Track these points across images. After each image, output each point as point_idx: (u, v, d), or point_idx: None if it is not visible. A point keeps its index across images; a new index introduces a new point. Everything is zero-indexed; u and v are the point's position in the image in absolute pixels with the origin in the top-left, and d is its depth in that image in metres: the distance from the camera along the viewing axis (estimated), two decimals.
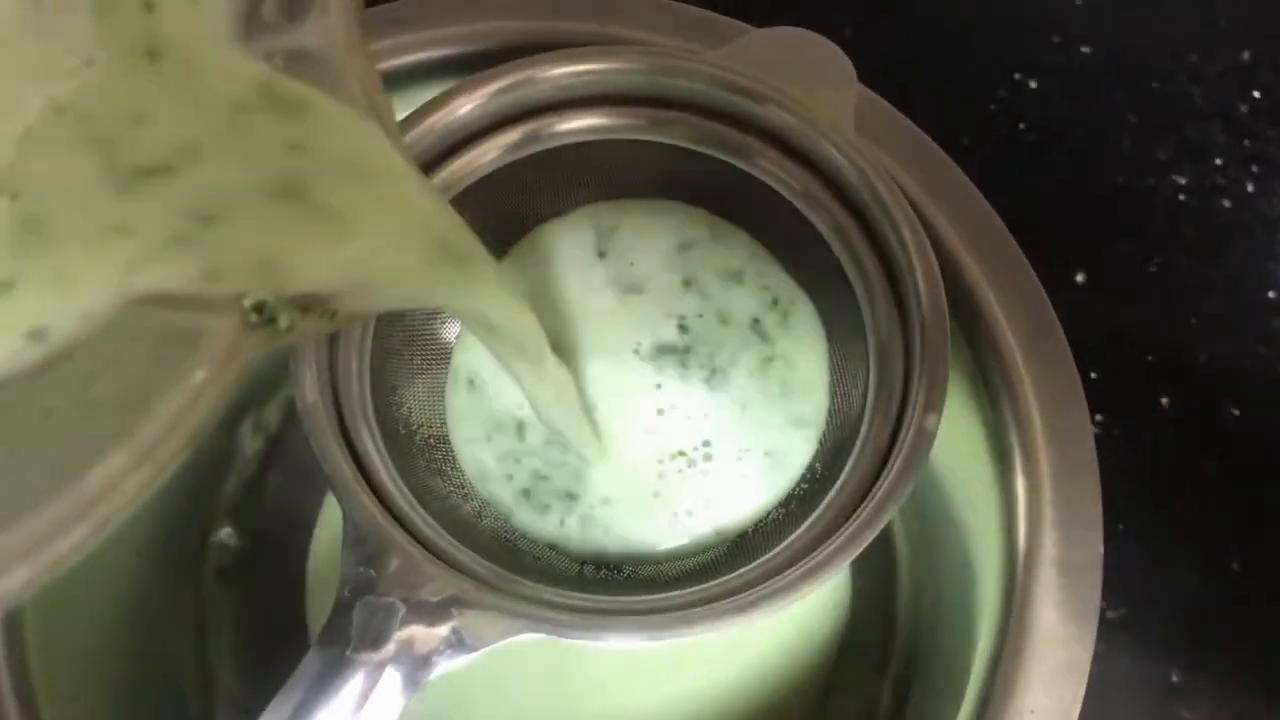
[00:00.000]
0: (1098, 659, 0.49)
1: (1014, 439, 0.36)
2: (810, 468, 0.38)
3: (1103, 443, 0.52)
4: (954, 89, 0.59)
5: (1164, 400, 0.54)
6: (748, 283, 0.41)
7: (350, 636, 0.31)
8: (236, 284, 0.22)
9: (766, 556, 0.34)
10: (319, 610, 0.48)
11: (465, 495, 0.38)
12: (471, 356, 0.40)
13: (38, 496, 0.19)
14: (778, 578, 0.32)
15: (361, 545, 0.32)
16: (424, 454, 0.38)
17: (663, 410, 0.39)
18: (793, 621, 0.47)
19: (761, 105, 0.38)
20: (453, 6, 0.41)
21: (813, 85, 0.38)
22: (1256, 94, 0.59)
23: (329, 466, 0.33)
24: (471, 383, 0.40)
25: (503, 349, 0.35)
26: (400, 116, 0.35)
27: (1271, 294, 0.56)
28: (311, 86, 0.25)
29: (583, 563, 0.38)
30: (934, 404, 0.34)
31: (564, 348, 0.39)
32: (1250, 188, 0.58)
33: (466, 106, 0.36)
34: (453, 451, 0.39)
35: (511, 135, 0.38)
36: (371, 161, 0.25)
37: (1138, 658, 0.51)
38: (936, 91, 0.58)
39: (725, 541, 0.38)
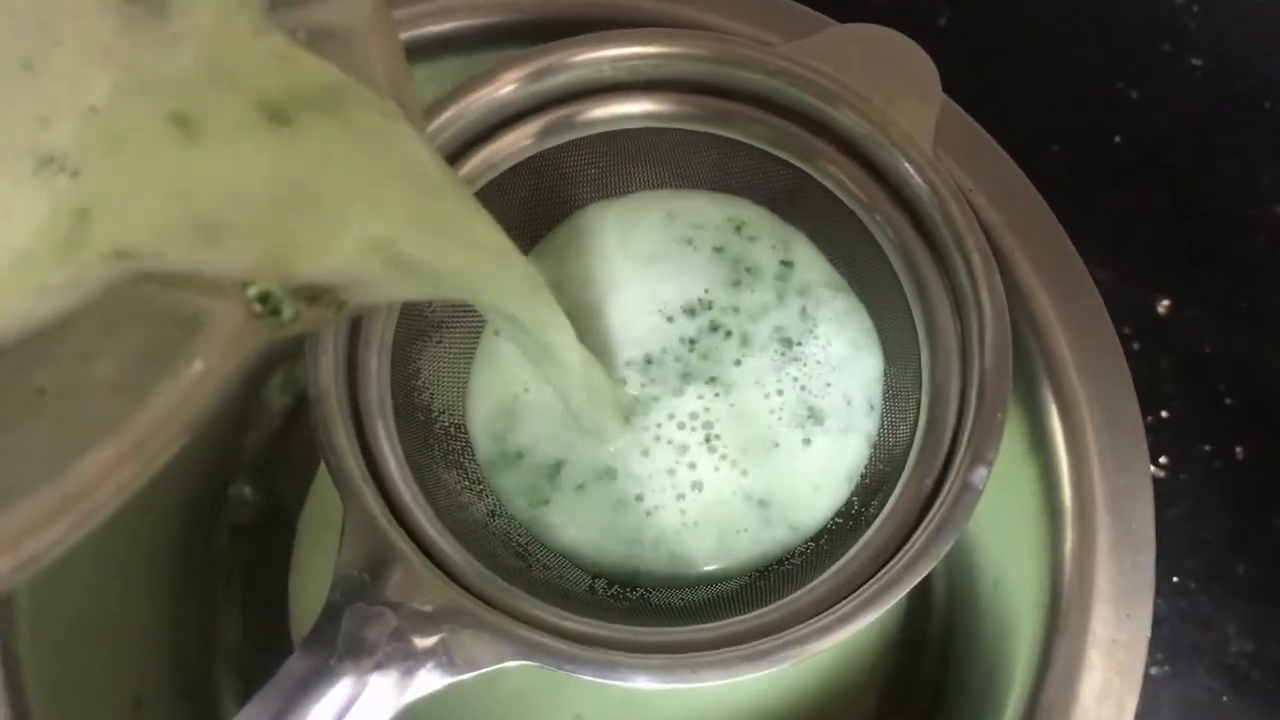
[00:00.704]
0: (1135, 716, 0.47)
1: (1069, 501, 0.33)
2: (846, 503, 0.36)
3: (1165, 488, 0.49)
4: (1048, 92, 0.55)
5: (1238, 450, 0.50)
6: (793, 279, 0.38)
7: (336, 644, 0.29)
8: (243, 271, 0.20)
9: (784, 600, 0.32)
10: (301, 589, 0.47)
11: (480, 491, 0.36)
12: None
13: (24, 483, 0.18)
14: (790, 630, 0.30)
15: (359, 547, 0.30)
16: (441, 444, 0.36)
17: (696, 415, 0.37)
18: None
19: (833, 107, 0.35)
20: None
21: (893, 91, 0.35)
22: None
23: (333, 460, 0.31)
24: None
25: (529, 346, 0.33)
26: (435, 92, 0.33)
27: None
28: (333, 67, 0.23)
29: (595, 576, 0.36)
30: (984, 456, 0.31)
31: (599, 344, 0.37)
32: None
33: (510, 85, 0.34)
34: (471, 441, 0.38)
35: (556, 117, 0.35)
36: (392, 149, 0.23)
37: (1178, 717, 0.48)
38: (1029, 92, 0.55)
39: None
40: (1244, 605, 0.49)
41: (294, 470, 0.50)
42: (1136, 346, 0.52)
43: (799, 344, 0.37)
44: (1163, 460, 0.50)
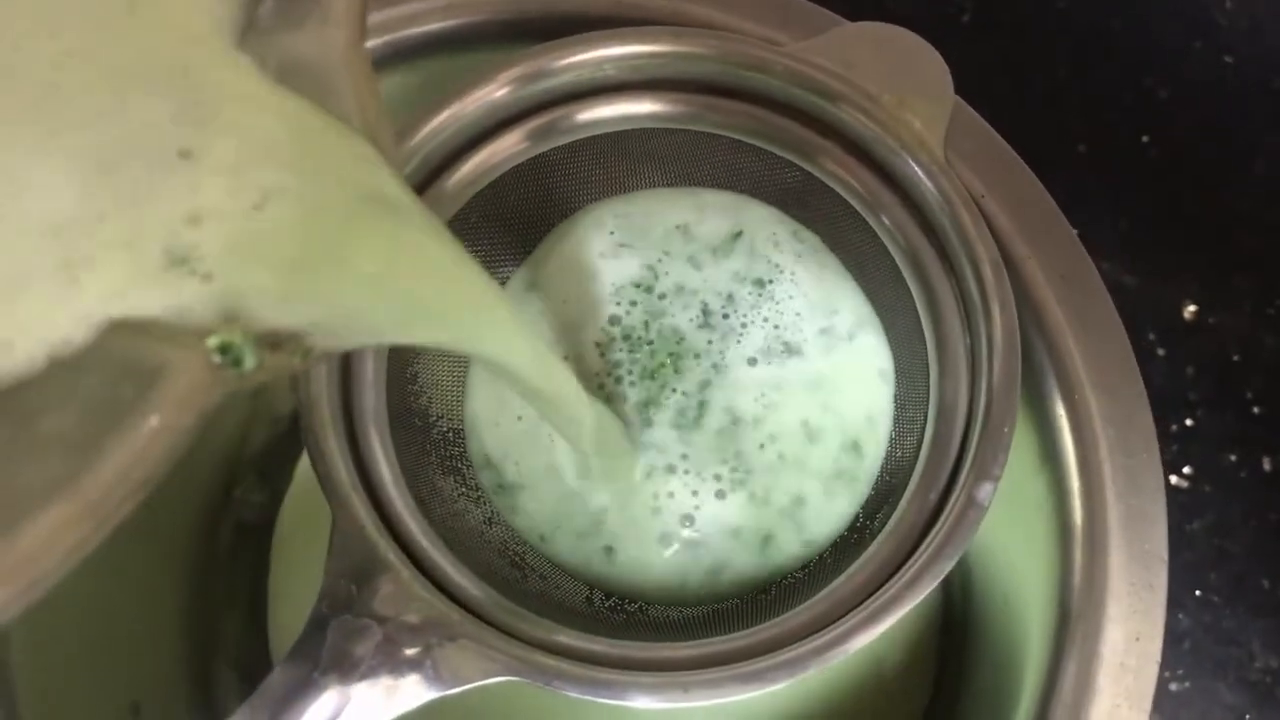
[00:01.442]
0: None
1: (1079, 519, 0.32)
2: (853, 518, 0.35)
3: (1188, 499, 0.48)
4: (1074, 91, 0.53)
5: (1266, 461, 0.49)
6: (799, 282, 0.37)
7: (321, 657, 0.28)
8: (201, 320, 0.19)
9: (781, 617, 0.31)
10: (278, 597, 0.47)
11: (477, 498, 0.36)
12: None
13: None
14: (785, 650, 0.29)
15: (347, 556, 0.30)
16: (439, 449, 0.36)
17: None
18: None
19: (841, 108, 0.34)
20: None
21: (904, 92, 0.34)
22: None
23: (323, 469, 0.31)
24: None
25: (529, 397, 0.32)
26: (432, 93, 0.32)
27: None
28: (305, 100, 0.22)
29: (592, 587, 0.35)
30: (990, 472, 0.30)
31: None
32: None
33: (509, 86, 0.33)
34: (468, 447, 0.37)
35: (556, 118, 0.35)
36: (364, 189, 0.22)
37: None
38: (1054, 91, 0.53)
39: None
40: (1268, 620, 0.48)
41: (300, 470, 0.49)
42: (1161, 352, 0.50)
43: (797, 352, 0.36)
44: (1186, 470, 0.49)
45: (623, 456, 0.35)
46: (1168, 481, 0.49)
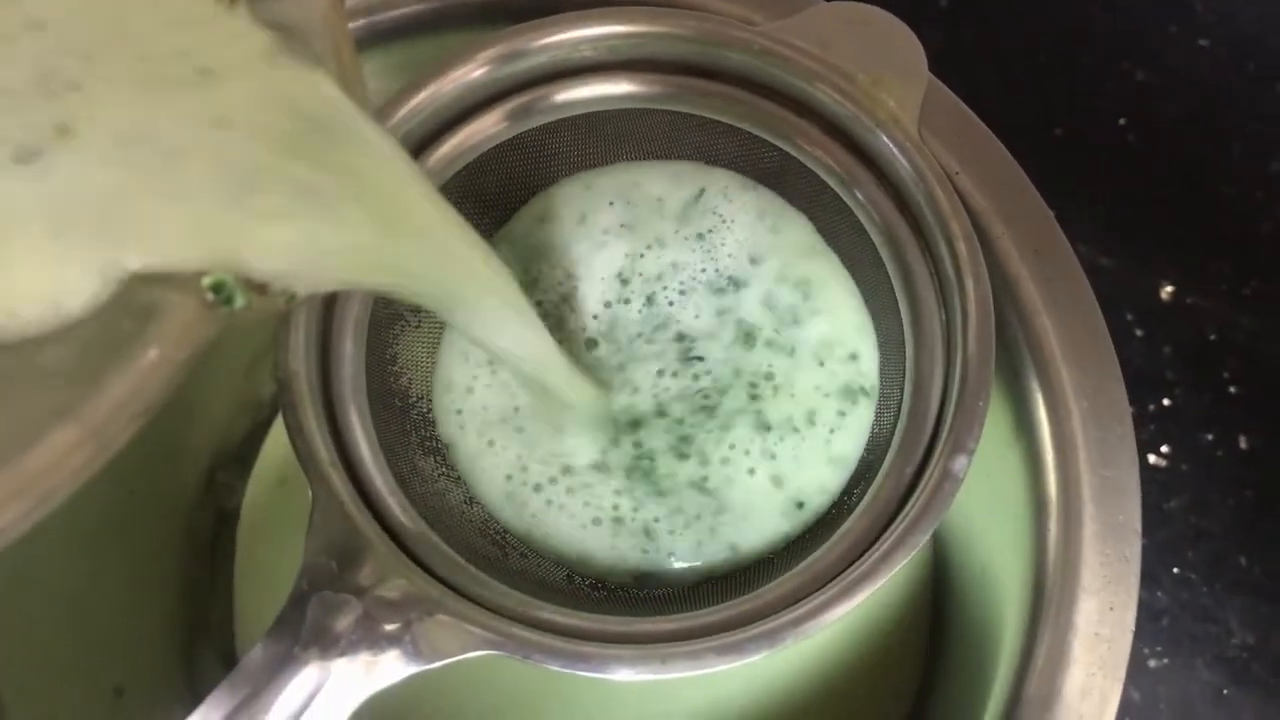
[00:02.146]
0: (1134, 708, 0.46)
1: (1053, 491, 0.32)
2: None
3: (1166, 478, 0.49)
4: (1052, 74, 0.54)
5: (1242, 440, 0.49)
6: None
7: (301, 632, 0.29)
8: (197, 261, 0.20)
9: (758, 591, 0.31)
10: (247, 566, 0.47)
11: (457, 478, 0.36)
12: None
13: None
14: (762, 623, 0.29)
15: (326, 533, 0.30)
16: (419, 430, 0.36)
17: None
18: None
19: (817, 87, 0.34)
20: None
21: (879, 71, 0.34)
22: None
23: (302, 444, 0.31)
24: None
25: (505, 360, 0.32)
26: (403, 76, 0.32)
27: None
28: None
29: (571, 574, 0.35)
30: (965, 445, 0.30)
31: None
32: None
33: (485, 66, 0.33)
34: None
35: (533, 99, 0.35)
36: (351, 145, 0.23)
37: (1176, 711, 0.47)
38: (1033, 74, 0.54)
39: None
40: (1246, 598, 0.48)
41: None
42: (1139, 333, 0.51)
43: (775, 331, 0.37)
44: (1164, 449, 0.50)
45: (598, 416, 0.35)
46: (1146, 461, 0.49)
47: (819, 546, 0.32)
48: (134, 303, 0.20)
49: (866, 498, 0.33)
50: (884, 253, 0.35)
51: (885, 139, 0.33)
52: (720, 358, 0.36)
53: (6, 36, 0.20)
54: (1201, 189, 0.52)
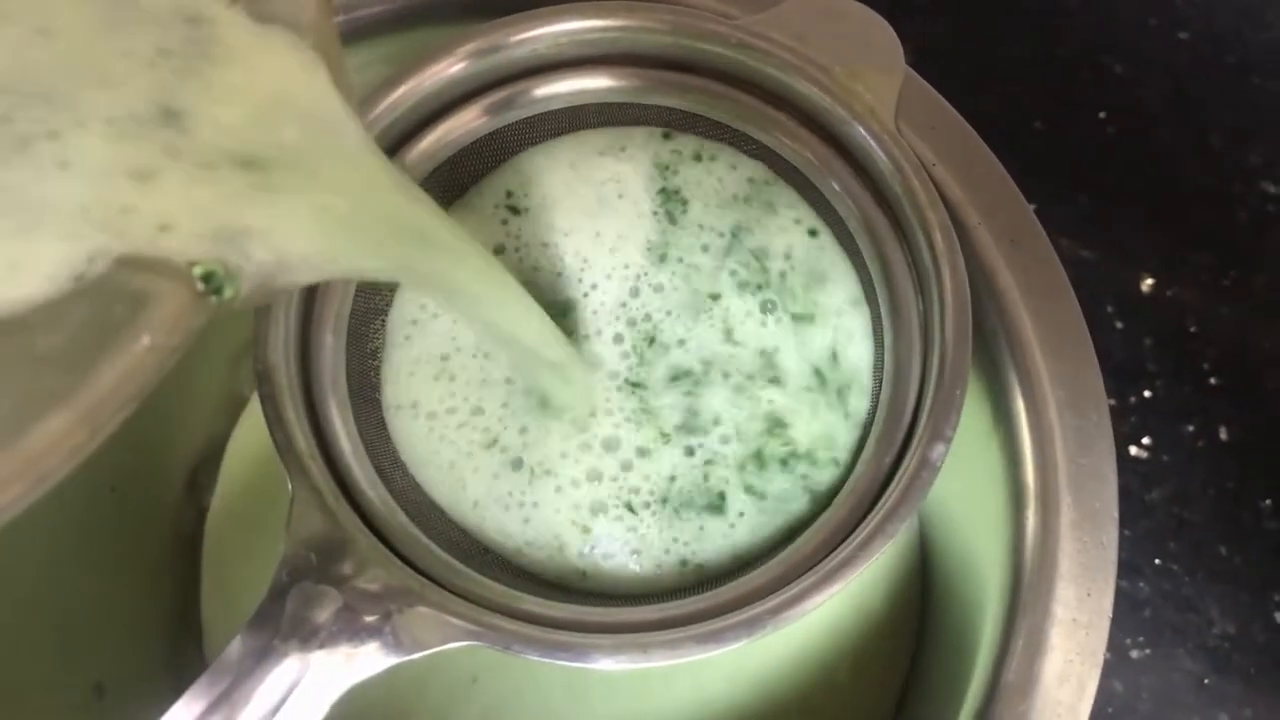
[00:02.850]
0: (1116, 698, 0.46)
1: (1031, 480, 0.32)
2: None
3: (1147, 469, 0.49)
4: (1031, 67, 0.54)
5: (1223, 431, 0.50)
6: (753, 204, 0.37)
7: (281, 624, 0.29)
8: (190, 251, 0.21)
9: (741, 580, 0.31)
10: (212, 582, 0.47)
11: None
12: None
13: None
14: (741, 611, 0.29)
15: (306, 525, 0.30)
16: None
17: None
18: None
19: (794, 80, 0.34)
20: None
21: (855, 64, 0.34)
22: None
23: (280, 437, 0.31)
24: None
25: (493, 335, 0.32)
26: (384, 71, 0.32)
27: None
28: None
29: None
30: (942, 433, 0.31)
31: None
32: None
33: (463, 62, 0.33)
34: None
35: (511, 94, 0.35)
36: (332, 139, 0.23)
37: (1159, 701, 0.47)
38: (1012, 68, 0.54)
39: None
40: (1227, 588, 0.48)
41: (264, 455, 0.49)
42: (1119, 325, 0.51)
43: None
44: (1145, 441, 0.50)
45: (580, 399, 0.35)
46: (1127, 452, 0.50)
47: (797, 537, 0.32)
48: (125, 290, 0.20)
49: (846, 487, 0.33)
50: (861, 243, 0.35)
51: (862, 131, 0.34)
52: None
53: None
54: (1181, 181, 0.53)
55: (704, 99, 0.35)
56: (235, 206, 0.22)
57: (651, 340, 0.35)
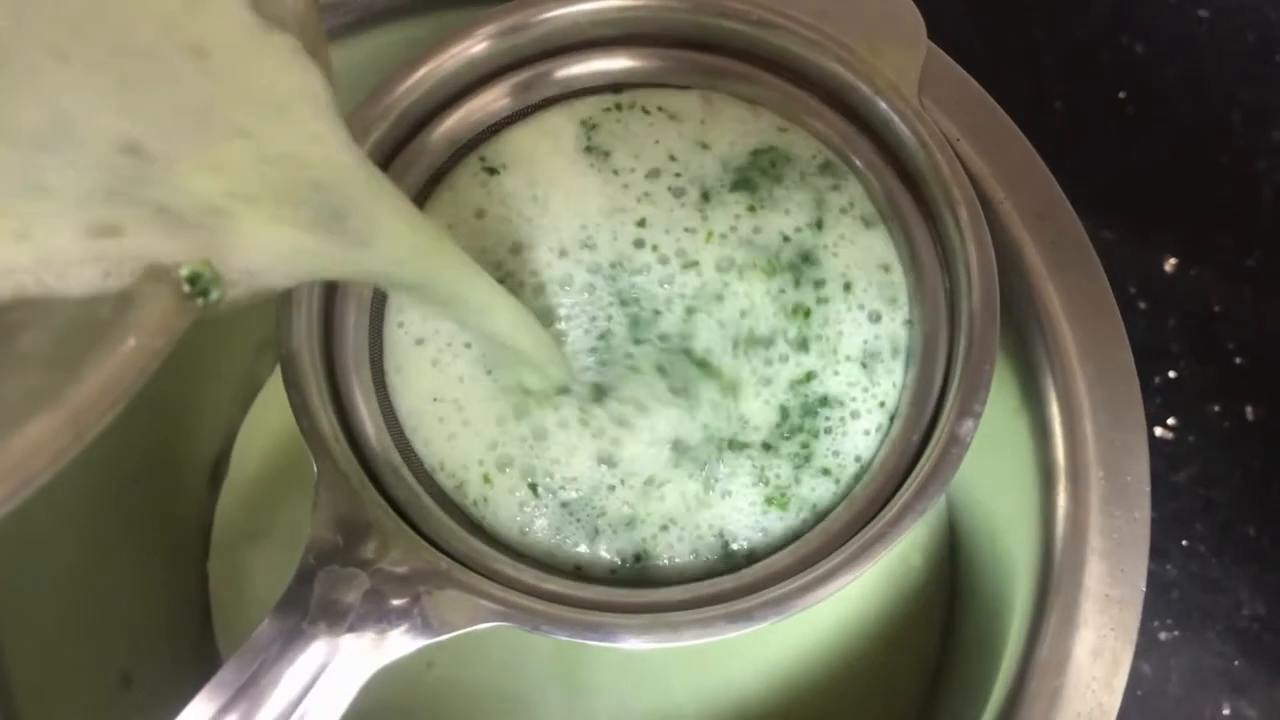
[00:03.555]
0: (1145, 680, 0.46)
1: (1061, 456, 0.32)
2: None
3: (1173, 450, 0.48)
4: (1051, 47, 0.54)
5: (1249, 410, 0.49)
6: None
7: (309, 607, 0.29)
8: (175, 254, 0.20)
9: (769, 559, 0.31)
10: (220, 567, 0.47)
11: None
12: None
13: None
14: (775, 588, 0.29)
15: (332, 509, 0.30)
16: None
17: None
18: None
19: (816, 57, 0.34)
20: None
21: (877, 40, 0.34)
22: None
23: (305, 422, 0.31)
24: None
25: (472, 331, 0.32)
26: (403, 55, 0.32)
27: None
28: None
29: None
30: (971, 409, 0.30)
31: None
32: None
33: (484, 43, 0.33)
34: None
35: (533, 75, 0.35)
36: (310, 146, 0.23)
37: (1188, 682, 0.47)
38: (1032, 48, 0.54)
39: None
40: (1255, 568, 0.48)
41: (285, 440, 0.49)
42: (1143, 306, 0.51)
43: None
44: (1170, 422, 0.49)
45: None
46: (1152, 434, 0.49)
47: (826, 515, 0.32)
48: (109, 291, 0.20)
49: (874, 465, 0.33)
50: (886, 216, 0.35)
51: (885, 107, 0.33)
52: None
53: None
54: (1203, 161, 0.52)
55: (725, 79, 0.35)
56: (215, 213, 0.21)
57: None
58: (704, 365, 0.34)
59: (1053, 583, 0.31)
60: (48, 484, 0.19)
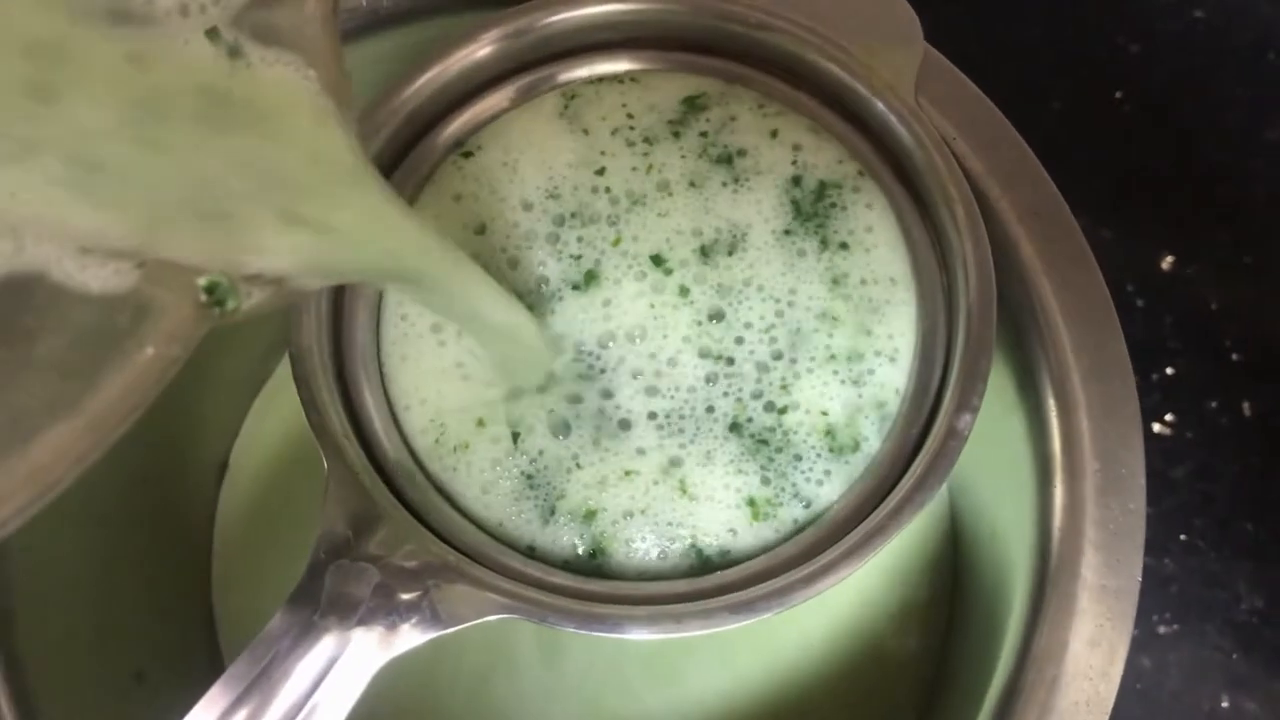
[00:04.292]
0: (1144, 674, 0.46)
1: (1057, 449, 0.32)
2: None
3: (1171, 446, 0.49)
4: (1048, 49, 0.54)
5: (1246, 406, 0.50)
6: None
7: (320, 601, 0.29)
8: (195, 262, 0.21)
9: (771, 552, 0.31)
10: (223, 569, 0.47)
11: None
12: None
13: None
14: (774, 581, 0.29)
15: (342, 504, 0.30)
16: None
17: None
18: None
19: (814, 59, 0.35)
20: None
21: (873, 42, 0.35)
22: None
23: (314, 417, 0.31)
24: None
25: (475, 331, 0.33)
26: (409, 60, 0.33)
27: None
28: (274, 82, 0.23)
29: None
30: (969, 403, 0.31)
31: None
32: None
33: (488, 47, 0.34)
34: None
35: (537, 78, 0.35)
36: (332, 160, 0.24)
37: (1187, 676, 0.47)
38: (1028, 49, 0.54)
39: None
40: (1253, 563, 0.48)
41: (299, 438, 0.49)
42: (1140, 303, 0.51)
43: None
44: (1168, 418, 0.50)
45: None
46: (1150, 430, 0.50)
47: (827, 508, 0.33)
48: (129, 300, 0.20)
49: (873, 459, 0.33)
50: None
51: (882, 107, 0.34)
52: None
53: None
54: (1199, 159, 0.53)
55: (725, 81, 0.36)
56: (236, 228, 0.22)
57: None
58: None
59: (1050, 574, 0.32)
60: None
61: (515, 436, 0.33)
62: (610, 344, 0.33)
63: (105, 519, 0.39)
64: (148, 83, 0.21)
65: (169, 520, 0.44)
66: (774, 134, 0.35)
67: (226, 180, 0.21)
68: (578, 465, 0.32)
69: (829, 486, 0.32)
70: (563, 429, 0.33)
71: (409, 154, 0.35)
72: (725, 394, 0.33)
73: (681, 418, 0.33)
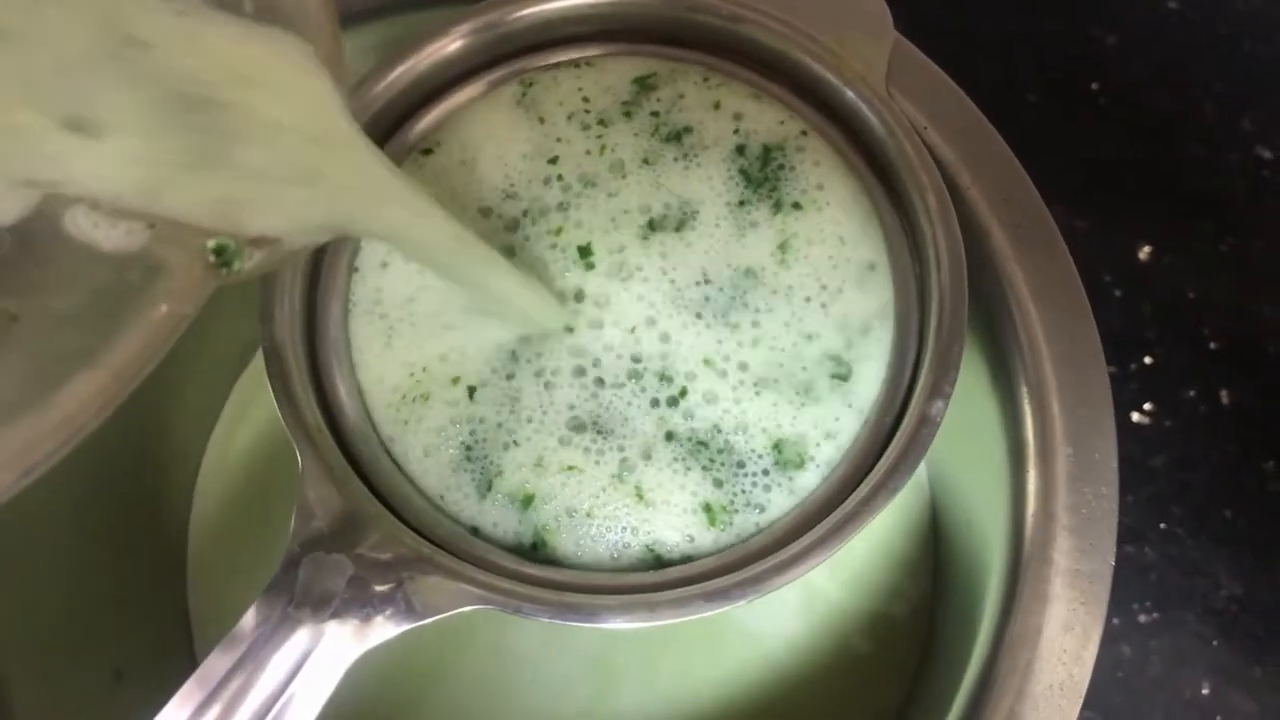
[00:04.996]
0: (1125, 662, 0.47)
1: (1030, 435, 0.33)
2: None
3: (1150, 435, 0.49)
4: (1023, 41, 0.54)
5: (1224, 395, 0.50)
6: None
7: (294, 593, 0.29)
8: (207, 223, 0.22)
9: (744, 540, 0.31)
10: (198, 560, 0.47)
11: None
12: None
13: (9, 408, 0.20)
14: (747, 569, 0.29)
15: (315, 497, 0.30)
16: None
17: None
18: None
19: (784, 48, 0.35)
20: None
21: (844, 31, 0.35)
22: None
23: (288, 412, 0.31)
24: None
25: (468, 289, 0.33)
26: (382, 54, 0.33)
27: None
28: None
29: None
30: (941, 390, 0.31)
31: None
32: None
33: (459, 41, 0.34)
34: None
35: (509, 72, 0.36)
36: (326, 128, 0.24)
37: (1168, 663, 0.48)
38: (1004, 42, 0.54)
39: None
40: (1232, 550, 0.49)
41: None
42: (1118, 293, 0.51)
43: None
44: (1147, 407, 0.50)
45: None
46: (1129, 419, 0.50)
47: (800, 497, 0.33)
48: (142, 259, 0.22)
49: (846, 447, 0.33)
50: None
51: (853, 96, 0.34)
52: None
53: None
54: (1176, 149, 0.53)
55: (697, 72, 0.36)
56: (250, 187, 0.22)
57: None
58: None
59: (1023, 559, 0.32)
60: (37, 482, 0.20)
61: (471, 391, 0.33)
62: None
63: (79, 518, 0.39)
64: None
65: (144, 517, 0.44)
66: (716, 105, 0.35)
67: (228, 146, 0.22)
68: (515, 443, 0.33)
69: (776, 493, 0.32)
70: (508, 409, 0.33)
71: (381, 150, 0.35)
72: (661, 376, 0.33)
73: (626, 404, 0.33)
